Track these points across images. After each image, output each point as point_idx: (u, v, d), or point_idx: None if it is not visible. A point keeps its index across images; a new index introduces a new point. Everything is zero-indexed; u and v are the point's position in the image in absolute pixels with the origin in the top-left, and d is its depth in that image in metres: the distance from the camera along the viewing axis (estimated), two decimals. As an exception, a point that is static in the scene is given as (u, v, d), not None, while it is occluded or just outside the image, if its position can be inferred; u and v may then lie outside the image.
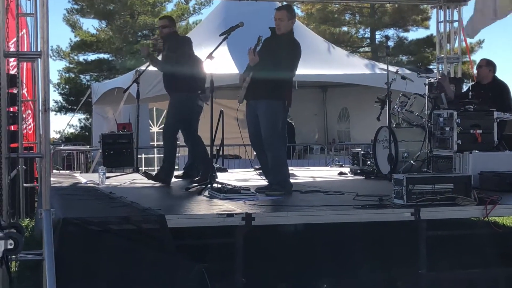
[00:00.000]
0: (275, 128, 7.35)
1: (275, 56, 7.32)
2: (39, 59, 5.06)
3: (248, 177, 9.38)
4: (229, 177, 9.74)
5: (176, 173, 9.75)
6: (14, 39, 8.94)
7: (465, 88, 10.47)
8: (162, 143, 9.07)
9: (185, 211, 5.96)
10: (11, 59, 8.36)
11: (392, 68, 9.96)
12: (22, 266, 6.36)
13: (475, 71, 10.00)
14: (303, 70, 12.51)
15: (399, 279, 5.92)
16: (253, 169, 9.69)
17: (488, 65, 9.28)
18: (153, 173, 8.81)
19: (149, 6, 29.95)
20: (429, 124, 8.58)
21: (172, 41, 8.70)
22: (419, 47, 29.40)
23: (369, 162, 10.30)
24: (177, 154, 15.58)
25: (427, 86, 9.07)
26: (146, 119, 17.72)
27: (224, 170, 11.33)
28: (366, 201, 6.33)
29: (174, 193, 7.89)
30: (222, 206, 6.13)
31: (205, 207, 6.14)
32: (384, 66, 9.74)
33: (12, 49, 8.87)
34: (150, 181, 8.85)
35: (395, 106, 9.72)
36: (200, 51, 10.09)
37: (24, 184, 9.82)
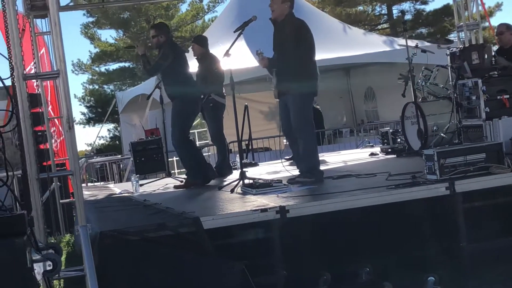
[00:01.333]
0: (305, 117, 7.35)
1: (284, 46, 7.29)
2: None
3: (279, 168, 9.36)
4: (260, 171, 9.75)
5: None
6: (33, 62, 9.04)
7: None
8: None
9: (219, 211, 5.97)
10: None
11: (412, 43, 9.89)
12: (68, 282, 6.43)
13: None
14: (323, 54, 12.50)
15: (441, 255, 5.87)
16: (283, 160, 9.68)
17: (508, 30, 9.16)
18: (182, 183, 8.80)
19: (163, 9, 30.07)
20: (455, 95, 8.47)
21: (164, 49, 8.63)
22: (438, 18, 29.07)
23: (399, 140, 10.23)
24: (208, 153, 15.73)
25: (449, 57, 8.96)
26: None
27: (255, 164, 11.34)
28: (399, 181, 6.29)
29: (207, 193, 7.91)
30: (256, 201, 6.13)
31: (239, 205, 6.15)
32: (404, 42, 9.65)
33: (33, 70, 8.98)
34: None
35: (419, 81, 9.64)
36: (217, 49, 10.13)
37: (61, 201, 9.91)
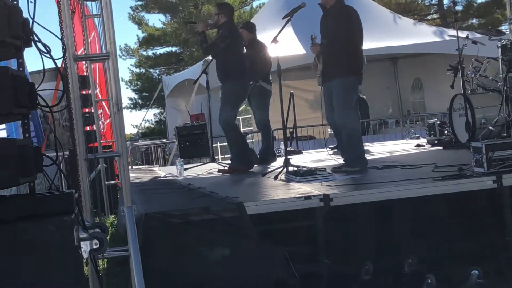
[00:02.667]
0: (348, 104, 7.31)
1: (333, 32, 7.26)
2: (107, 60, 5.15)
3: (323, 157, 9.34)
4: (304, 159, 9.73)
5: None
6: (83, 47, 9.13)
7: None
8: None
9: (263, 197, 5.98)
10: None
11: (462, 34, 9.74)
12: (111, 263, 6.52)
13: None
14: (370, 43, 12.40)
15: (486, 249, 5.80)
16: (327, 148, 9.65)
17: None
18: (226, 168, 8.84)
19: (212, -6, 30.13)
20: (505, 88, 8.34)
21: (223, 30, 8.65)
22: (489, 9, 28.59)
23: (446, 132, 10.12)
24: (252, 140, 15.77)
25: (500, 49, 8.82)
26: (218, 108, 17.85)
27: (299, 152, 11.33)
28: (446, 172, 6.22)
29: (251, 180, 7.93)
30: (299, 189, 6.12)
31: (283, 192, 6.15)
32: (454, 32, 9.52)
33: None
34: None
35: (469, 72, 9.51)
36: (265, 35, 10.13)
37: (106, 182, 10.05)
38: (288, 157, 7.58)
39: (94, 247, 3.46)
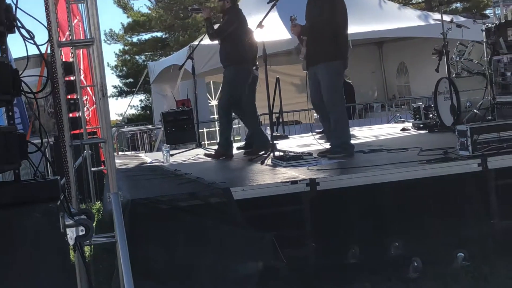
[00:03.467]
0: (334, 89, 7.32)
1: (318, 16, 7.25)
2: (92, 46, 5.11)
3: (310, 142, 9.35)
4: (290, 144, 9.74)
5: (238, 144, 9.81)
6: (68, 33, 9.07)
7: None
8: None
9: (249, 182, 5.98)
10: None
11: (447, 17, 9.76)
12: (98, 249, 6.52)
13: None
14: (356, 27, 12.39)
15: (471, 231, 5.84)
16: (313, 133, 9.66)
17: (545, 5, 9.00)
18: (213, 152, 8.85)
19: (197, -21, 29.95)
20: (489, 71, 8.38)
21: (229, 15, 8.66)
22: (474, -7, 28.64)
23: (431, 115, 10.15)
24: (239, 125, 15.76)
25: (484, 32, 8.84)
26: (204, 94, 17.84)
27: (285, 137, 11.34)
28: (431, 156, 6.25)
29: (237, 165, 7.94)
30: (286, 174, 6.13)
31: (269, 177, 6.16)
32: (439, 16, 9.53)
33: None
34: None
35: (453, 56, 9.54)
36: (250, 20, 10.07)
37: (92, 169, 10.02)
38: (275, 142, 7.58)
39: (80, 233, 3.46)
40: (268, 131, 9.50)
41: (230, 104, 8.67)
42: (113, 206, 4.79)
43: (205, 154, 8.85)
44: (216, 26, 8.85)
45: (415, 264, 5.36)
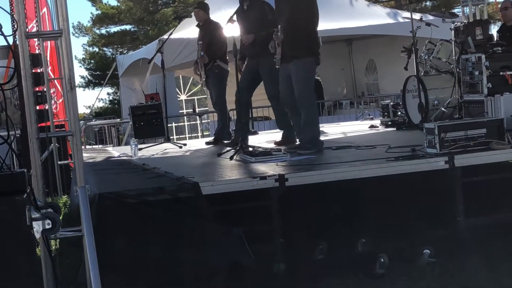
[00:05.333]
0: (307, 86, 7.34)
1: (290, 14, 7.24)
2: (60, 38, 5.05)
3: (279, 138, 9.35)
4: (259, 139, 9.74)
5: (207, 139, 9.79)
6: (35, 20, 8.96)
7: (493, 30, 10.28)
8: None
9: (218, 177, 5.97)
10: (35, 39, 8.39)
11: (416, 16, 9.83)
12: (64, 243, 6.45)
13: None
14: (326, 24, 12.42)
15: (437, 228, 5.90)
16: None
17: (513, 6, 9.10)
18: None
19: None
20: (457, 70, 8.45)
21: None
22: (443, -9, 28.86)
23: (399, 113, 10.22)
24: (207, 120, 15.72)
25: (453, 31, 8.92)
26: (173, 88, 17.76)
27: (255, 133, 11.34)
28: (399, 153, 6.29)
29: (206, 160, 7.92)
30: (255, 169, 6.13)
31: (238, 172, 6.15)
32: (408, 14, 9.59)
33: (34, 29, 8.92)
34: (182, 149, 8.94)
35: (422, 54, 9.60)
36: (220, 15, 10.06)
37: (59, 162, 9.91)
38: (245, 136, 7.57)
39: (47, 227, 3.42)
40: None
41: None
42: (80, 200, 4.75)
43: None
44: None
45: (382, 260, 5.39)
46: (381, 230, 5.75)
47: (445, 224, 5.89)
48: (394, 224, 5.79)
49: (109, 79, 22.38)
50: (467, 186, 5.89)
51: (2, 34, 3.59)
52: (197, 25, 9.81)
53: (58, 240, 5.96)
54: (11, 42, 4.05)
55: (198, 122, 17.81)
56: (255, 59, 8.46)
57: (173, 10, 29.96)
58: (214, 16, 10.13)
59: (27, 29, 4.89)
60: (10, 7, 5.10)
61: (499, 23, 12.64)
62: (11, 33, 4.73)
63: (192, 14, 9.98)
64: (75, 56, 34.45)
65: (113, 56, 29.49)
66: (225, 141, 9.38)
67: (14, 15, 4.71)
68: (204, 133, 17.07)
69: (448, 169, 5.86)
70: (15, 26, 4.67)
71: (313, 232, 5.66)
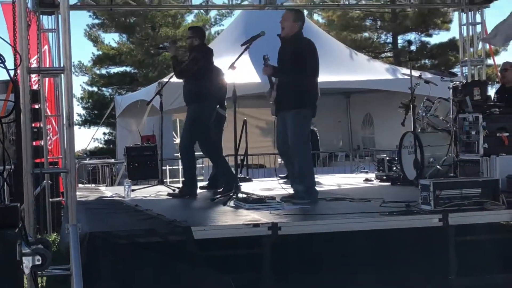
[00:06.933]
0: (302, 136, 7.36)
1: (290, 63, 7.31)
2: (62, 75, 5.09)
3: (273, 186, 9.34)
4: (254, 187, 9.71)
5: (201, 184, 9.75)
6: (37, 56, 9.01)
7: (490, 91, 10.38)
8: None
9: (211, 222, 5.94)
10: (33, 75, 8.42)
11: (415, 73, 9.90)
12: (51, 280, 6.37)
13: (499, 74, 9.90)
14: (325, 76, 12.49)
15: (428, 286, 5.85)
16: (278, 178, 9.65)
17: (513, 68, 9.20)
18: (177, 191, 8.77)
19: (170, 17, 30.08)
20: (454, 128, 8.50)
21: (197, 53, 8.62)
22: (442, 51, 29.15)
23: (394, 168, 10.23)
24: (202, 165, 15.70)
25: (451, 90, 8.99)
26: (170, 131, 17.74)
27: (249, 180, 11.31)
28: (393, 208, 6.28)
29: (200, 204, 7.88)
30: (248, 216, 6.10)
31: (231, 218, 6.12)
32: (407, 71, 9.67)
33: (35, 65, 8.96)
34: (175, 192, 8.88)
35: (420, 111, 9.65)
36: (221, 61, 10.12)
37: (50, 199, 9.86)
38: (238, 184, 7.55)
39: (37, 263, 3.37)
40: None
41: (191, 144, 8.60)
42: (71, 238, 4.73)
43: (169, 194, 8.75)
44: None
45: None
46: (372, 283, 5.71)
47: (436, 282, 5.85)
48: (386, 278, 5.75)
49: (106, 119, 22.42)
50: (460, 245, 5.87)
51: (5, 68, 3.59)
52: None
53: (45, 278, 5.89)
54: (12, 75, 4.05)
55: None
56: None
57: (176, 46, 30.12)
58: (215, 62, 10.18)
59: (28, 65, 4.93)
60: (14, 41, 5.12)
61: (497, 85, 12.77)
62: (12, 67, 4.75)
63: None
64: (74, 94, 34.54)
65: (111, 96, 29.57)
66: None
67: (18, 49, 4.74)
68: (198, 178, 17.01)
69: (442, 227, 5.84)
70: (18, 60, 4.70)
71: (303, 282, 5.61)
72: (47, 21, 10.06)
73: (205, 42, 9.14)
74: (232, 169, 8.66)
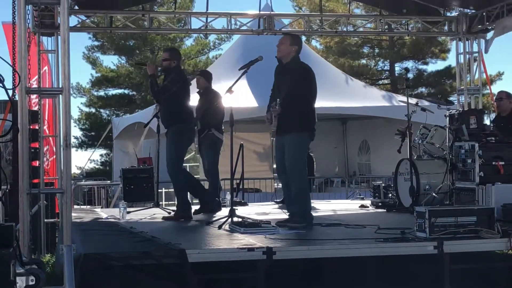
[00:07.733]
0: (299, 160, 7.38)
1: (289, 89, 7.34)
2: (60, 95, 5.11)
3: (269, 210, 9.34)
4: (249, 211, 9.70)
5: (196, 207, 9.74)
6: (36, 76, 9.04)
7: (486, 119, 10.41)
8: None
9: (205, 245, 5.93)
10: (33, 95, 8.44)
11: (412, 100, 9.95)
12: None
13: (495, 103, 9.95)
14: (322, 102, 12.54)
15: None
16: (273, 202, 9.66)
17: (508, 97, 9.26)
18: (171, 215, 8.76)
19: (169, 41, 30.20)
20: (450, 156, 8.52)
21: (175, 74, 8.64)
22: (438, 79, 29.27)
23: (390, 195, 10.23)
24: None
25: (447, 118, 9.03)
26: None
27: (245, 204, 11.30)
28: (388, 234, 6.28)
29: (195, 227, 7.87)
30: (243, 240, 6.10)
31: (226, 241, 6.11)
32: (404, 98, 9.71)
33: (35, 85, 8.99)
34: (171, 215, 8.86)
35: (416, 138, 9.68)
36: (219, 85, 10.17)
37: (45, 220, 9.83)
38: (234, 207, 7.55)
39: (30, 283, 3.37)
40: (228, 196, 9.46)
41: (178, 165, 8.57)
42: (65, 259, 4.71)
43: (164, 218, 8.72)
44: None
45: None
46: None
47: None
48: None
49: (103, 141, 22.42)
50: (455, 273, 5.86)
51: (4, 87, 3.61)
52: (198, 92, 9.89)
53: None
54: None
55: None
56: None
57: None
58: (213, 86, 10.23)
59: (28, 85, 4.95)
60: (13, 61, 5.14)
61: (493, 114, 12.83)
62: (10, 86, 4.77)
63: (194, 81, 10.09)
64: (71, 115, 34.52)
65: (109, 118, 29.59)
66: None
67: (17, 69, 4.76)
68: (194, 201, 16.98)
69: (436, 255, 5.84)
70: (17, 80, 4.72)
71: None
72: (47, 42, 10.13)
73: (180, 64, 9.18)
74: (228, 193, 8.66)
